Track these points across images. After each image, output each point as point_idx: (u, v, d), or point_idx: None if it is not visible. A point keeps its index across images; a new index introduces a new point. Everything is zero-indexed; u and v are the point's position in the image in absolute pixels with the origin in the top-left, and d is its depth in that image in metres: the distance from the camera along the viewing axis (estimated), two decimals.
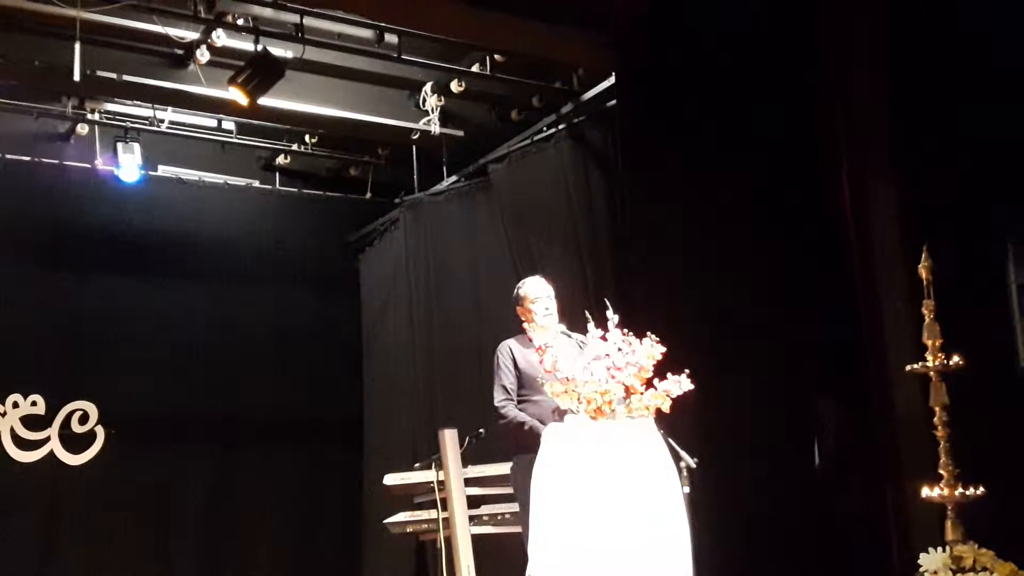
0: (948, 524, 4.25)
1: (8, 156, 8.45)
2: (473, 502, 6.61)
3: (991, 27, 5.38)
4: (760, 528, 5.76)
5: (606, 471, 4.46)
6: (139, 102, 8.30)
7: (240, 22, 7.12)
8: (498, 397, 5.52)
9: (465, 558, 6.26)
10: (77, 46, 6.88)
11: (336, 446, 9.72)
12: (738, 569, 5.54)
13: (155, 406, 8.94)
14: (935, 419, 4.32)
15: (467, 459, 6.64)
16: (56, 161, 8.67)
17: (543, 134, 7.97)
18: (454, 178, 9.06)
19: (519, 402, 5.49)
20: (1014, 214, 5.37)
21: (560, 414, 4.80)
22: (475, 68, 7.91)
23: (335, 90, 8.04)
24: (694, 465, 4.97)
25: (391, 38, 7.39)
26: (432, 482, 6.54)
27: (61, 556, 8.59)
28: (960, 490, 4.23)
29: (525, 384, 5.47)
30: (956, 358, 4.32)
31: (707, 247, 6.24)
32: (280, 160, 9.47)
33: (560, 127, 7.80)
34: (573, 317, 5.50)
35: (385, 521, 7.15)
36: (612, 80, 7.18)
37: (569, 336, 5.36)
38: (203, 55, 7.26)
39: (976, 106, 5.42)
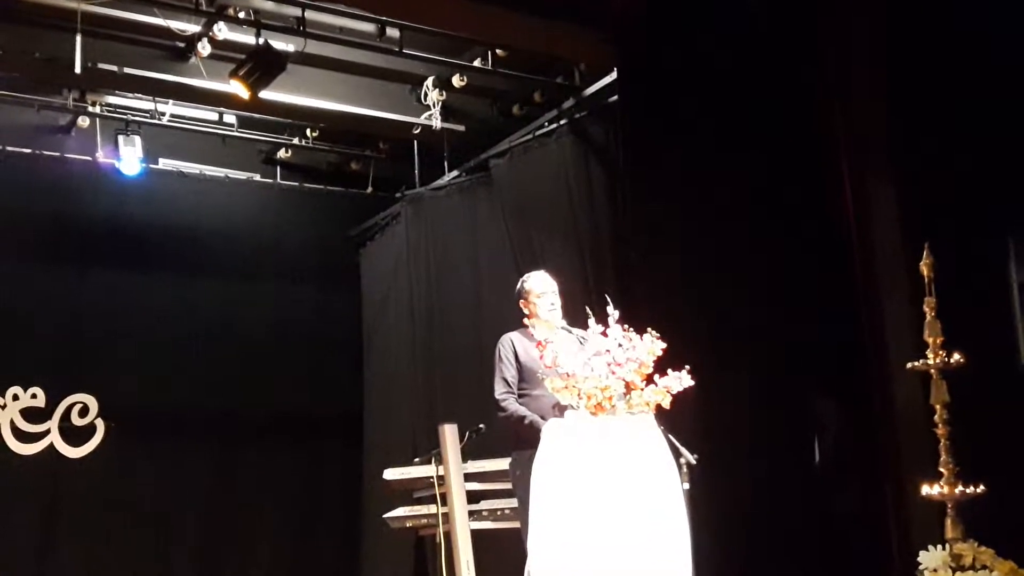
0: (948, 522, 4.25)
1: (9, 148, 8.46)
2: (473, 497, 6.61)
3: (990, 25, 5.38)
4: (760, 525, 5.76)
5: (606, 467, 4.46)
6: (140, 95, 8.30)
7: (241, 15, 7.12)
8: (499, 390, 5.51)
9: (464, 553, 6.27)
10: (78, 38, 6.88)
11: (336, 440, 9.72)
12: (737, 566, 5.55)
13: (155, 399, 8.95)
14: (935, 417, 4.32)
15: (467, 454, 6.64)
16: (57, 154, 8.68)
17: (544, 129, 7.97)
18: (455, 173, 9.05)
19: (519, 397, 5.48)
20: (1014, 212, 5.36)
21: (560, 410, 4.79)
22: (477, 63, 7.91)
23: (336, 84, 8.04)
24: (694, 461, 4.97)
25: (393, 32, 7.39)
26: (432, 477, 6.54)
27: (60, 548, 8.59)
28: (960, 488, 4.23)
29: (525, 379, 5.46)
30: (957, 356, 4.32)
31: (707, 243, 6.24)
32: (281, 154, 9.47)
33: (561, 122, 7.80)
34: (573, 313, 5.50)
35: (385, 516, 7.15)
36: (614, 76, 7.18)
37: (570, 331, 5.35)
38: (204, 48, 7.27)
39: (976, 104, 5.41)
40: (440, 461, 6.46)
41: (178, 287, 9.31)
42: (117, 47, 7.37)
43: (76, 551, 8.62)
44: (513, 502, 6.21)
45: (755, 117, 6.19)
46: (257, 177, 9.63)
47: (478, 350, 8.08)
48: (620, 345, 4.61)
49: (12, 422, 8.61)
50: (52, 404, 8.79)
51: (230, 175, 9.46)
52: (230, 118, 8.85)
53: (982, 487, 4.23)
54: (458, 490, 6.46)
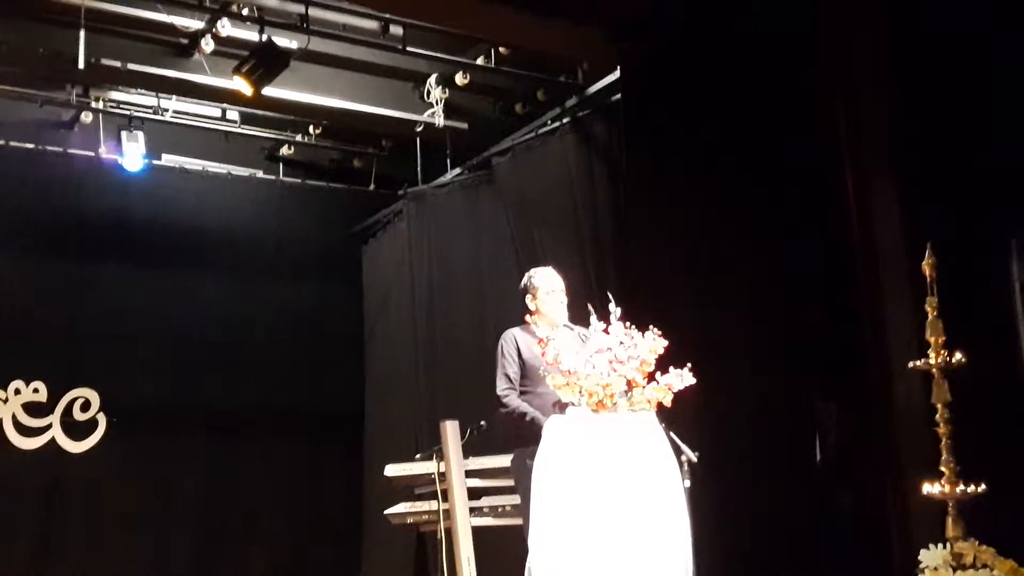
0: (949, 521, 4.25)
1: (12, 143, 8.48)
2: (474, 494, 6.62)
3: (991, 25, 5.38)
4: (760, 523, 5.76)
5: (607, 464, 4.47)
6: (143, 91, 8.31)
7: (245, 12, 7.13)
8: (501, 386, 5.50)
9: (465, 549, 6.27)
10: (82, 34, 6.89)
11: (337, 436, 9.73)
12: (738, 564, 5.55)
13: (156, 394, 8.97)
14: (937, 416, 4.32)
15: (468, 450, 6.64)
16: (60, 149, 8.69)
17: (547, 127, 7.97)
18: (458, 170, 9.05)
19: (520, 393, 5.48)
20: (1016, 211, 5.37)
21: (561, 407, 4.79)
22: (480, 61, 7.93)
23: (339, 81, 8.05)
24: (695, 459, 4.98)
25: (396, 30, 7.40)
26: (433, 473, 6.55)
27: (61, 542, 8.61)
28: (961, 487, 4.23)
29: (527, 375, 5.45)
30: (958, 355, 4.32)
31: (709, 241, 6.24)
32: (284, 150, 9.48)
33: (564, 120, 7.79)
34: (575, 310, 5.51)
35: (386, 512, 7.16)
36: (616, 74, 7.18)
37: (571, 329, 5.36)
38: (208, 44, 7.28)
39: (978, 104, 5.41)
40: (441, 457, 6.46)
41: (180, 283, 9.33)
42: (121, 43, 7.38)
43: (76, 545, 8.64)
44: (514, 499, 6.22)
45: (757, 116, 6.20)
46: (260, 174, 9.64)
47: (480, 347, 8.07)
48: (622, 343, 4.62)
49: (14, 416, 8.63)
50: (54, 399, 8.81)
51: (233, 171, 9.47)
52: (233, 114, 8.86)
53: (983, 486, 4.23)
54: (459, 486, 6.46)
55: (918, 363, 4.41)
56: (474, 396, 7.70)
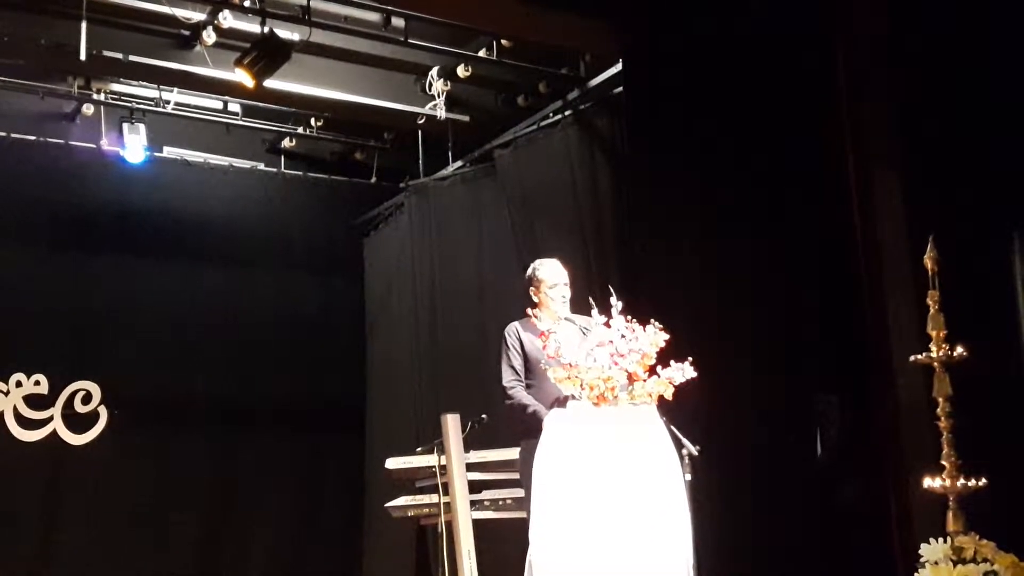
0: (950, 515, 4.24)
1: (14, 135, 8.48)
2: (475, 487, 6.62)
3: (994, 23, 5.37)
4: (761, 516, 5.76)
5: (608, 458, 4.47)
6: (145, 83, 8.31)
7: (247, 4, 7.12)
8: (507, 377, 5.51)
9: (466, 543, 6.27)
10: (84, 26, 6.89)
11: (338, 429, 9.73)
12: (739, 557, 5.55)
13: (158, 387, 8.97)
14: (938, 410, 4.31)
15: (469, 444, 6.64)
16: (61, 141, 8.69)
17: (549, 120, 7.96)
18: (459, 163, 9.05)
19: (525, 387, 5.48)
20: (1019, 206, 5.36)
21: (563, 401, 4.79)
22: (482, 53, 7.91)
23: (341, 73, 8.03)
24: (696, 453, 4.97)
25: (398, 22, 7.39)
26: (434, 466, 6.55)
27: (62, 535, 8.62)
28: (962, 481, 4.22)
29: (529, 369, 5.46)
30: (960, 349, 4.31)
31: (711, 234, 6.24)
32: (285, 143, 9.48)
33: (566, 113, 7.79)
34: (577, 303, 5.50)
35: (387, 505, 7.16)
36: (619, 67, 7.17)
37: (572, 322, 5.35)
38: (209, 36, 7.27)
39: (981, 99, 5.41)
40: (442, 451, 6.46)
41: (181, 275, 9.33)
42: (122, 35, 7.37)
43: (77, 537, 8.64)
44: (515, 492, 6.23)
45: (759, 110, 6.19)
46: (261, 166, 9.64)
47: (481, 340, 8.09)
48: (623, 336, 4.61)
49: (15, 409, 8.63)
50: (55, 391, 8.81)
51: (234, 164, 9.47)
52: (235, 107, 8.85)
53: (984, 480, 4.23)
54: (460, 480, 6.46)
55: (919, 357, 4.40)
56: (475, 389, 7.72)
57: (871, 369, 5.85)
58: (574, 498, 4.45)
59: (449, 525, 6.44)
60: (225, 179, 9.45)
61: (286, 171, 9.68)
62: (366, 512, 9.41)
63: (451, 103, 8.33)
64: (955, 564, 4.11)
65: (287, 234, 9.75)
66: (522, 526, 4.93)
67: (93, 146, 8.72)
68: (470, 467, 6.59)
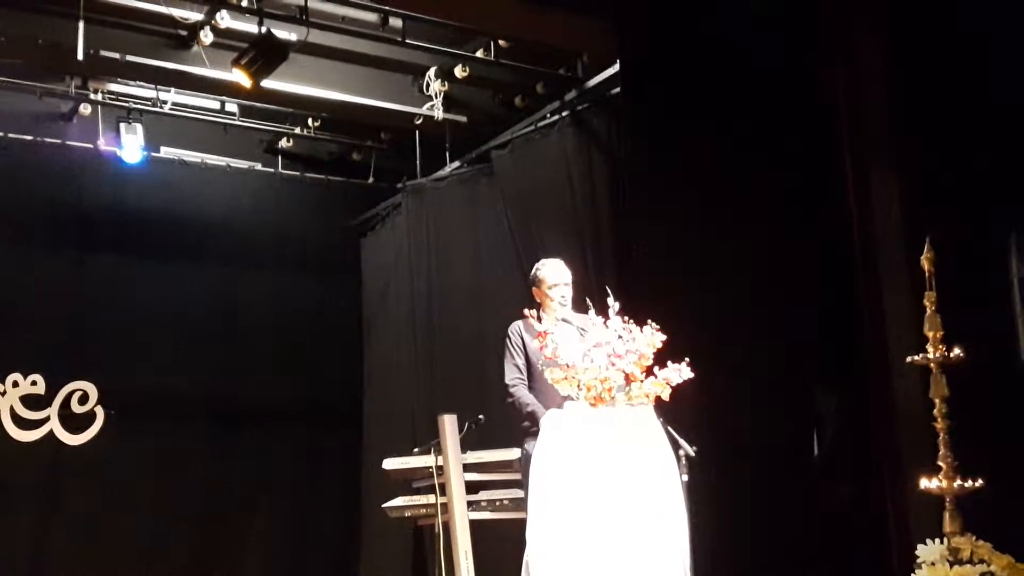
0: (946, 516, 4.26)
1: (11, 135, 8.45)
2: (472, 488, 6.62)
3: (992, 23, 5.38)
4: (758, 517, 5.77)
5: (605, 458, 4.47)
6: (142, 83, 8.28)
7: (244, 4, 7.11)
8: (509, 375, 5.52)
9: (463, 543, 6.27)
10: (81, 25, 6.87)
11: (335, 430, 9.71)
12: (736, 558, 5.55)
13: (155, 387, 8.94)
14: (935, 411, 4.32)
15: (466, 445, 6.64)
16: (59, 141, 8.67)
17: (546, 120, 7.96)
18: (457, 164, 9.04)
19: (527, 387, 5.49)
20: (1016, 207, 5.37)
21: (562, 402, 4.79)
22: (479, 53, 7.90)
23: (338, 73, 8.02)
24: (693, 453, 4.98)
25: (395, 22, 7.39)
26: (431, 467, 6.55)
27: (59, 535, 8.59)
28: (959, 482, 4.24)
29: (528, 370, 5.46)
30: (957, 350, 4.32)
31: (709, 235, 6.24)
32: (283, 143, 9.47)
33: (564, 114, 7.79)
34: (574, 304, 5.50)
35: (384, 505, 7.15)
36: (616, 68, 7.16)
37: (570, 323, 5.35)
38: (207, 36, 7.26)
39: (978, 99, 5.42)
40: (439, 451, 6.47)
41: (178, 275, 9.31)
42: (119, 34, 7.35)
43: (75, 538, 8.62)
44: (512, 492, 6.24)
45: (757, 110, 6.20)
46: (258, 166, 9.63)
47: (478, 340, 8.09)
48: (620, 337, 4.62)
49: (12, 409, 8.61)
50: (52, 391, 8.78)
51: (231, 164, 9.45)
52: (232, 107, 8.83)
53: (981, 481, 4.24)
54: (457, 480, 6.47)
55: (916, 358, 4.41)
56: (472, 390, 7.72)
57: (868, 370, 5.86)
58: (571, 499, 4.46)
59: (446, 526, 6.44)
60: (222, 179, 9.43)
61: (283, 171, 9.67)
62: (363, 513, 9.40)
63: (448, 104, 8.32)
64: (952, 565, 4.12)
65: (284, 234, 9.73)
66: (519, 527, 4.93)
67: (90, 146, 8.70)
68: (467, 468, 6.60)
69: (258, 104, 8.54)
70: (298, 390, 9.54)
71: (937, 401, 4.32)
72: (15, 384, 8.66)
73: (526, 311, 5.39)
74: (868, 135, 6.06)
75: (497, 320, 6.49)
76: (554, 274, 5.59)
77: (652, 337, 4.63)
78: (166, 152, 9.13)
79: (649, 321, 4.70)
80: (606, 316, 4.71)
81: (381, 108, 8.35)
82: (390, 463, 7.02)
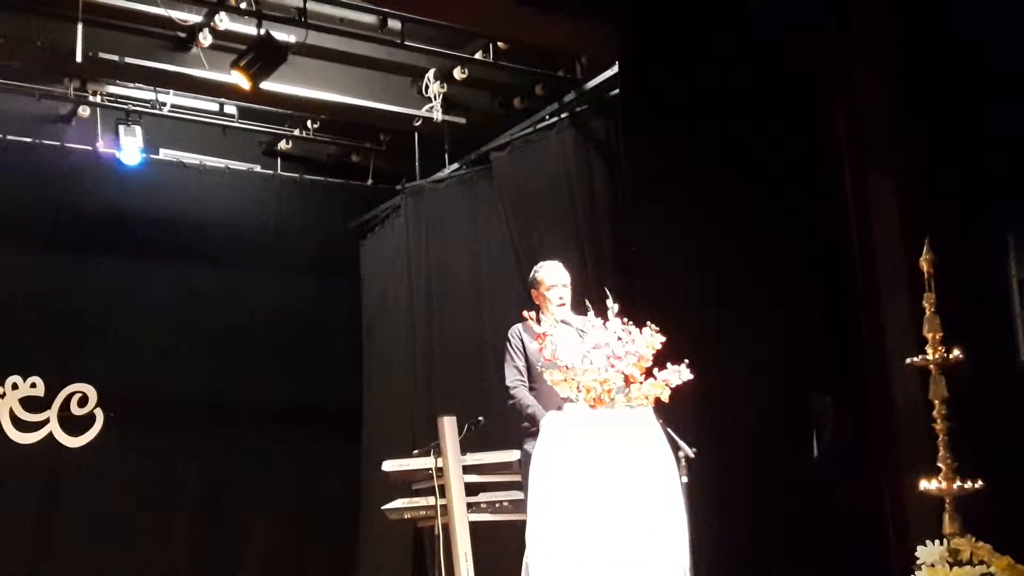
0: (946, 517, 4.26)
1: (9, 137, 8.45)
2: (471, 489, 6.61)
3: (991, 26, 5.39)
4: (758, 519, 5.77)
5: (604, 460, 4.47)
6: (141, 85, 8.28)
7: (243, 6, 7.11)
8: (509, 377, 5.52)
9: (463, 545, 6.27)
10: (80, 27, 6.88)
11: (335, 432, 9.71)
12: (735, 559, 5.55)
13: (154, 389, 8.94)
14: (934, 412, 4.32)
15: (466, 446, 6.64)
16: (58, 143, 8.67)
17: (546, 122, 7.96)
18: (456, 165, 9.04)
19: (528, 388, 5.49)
20: (1015, 208, 5.37)
21: (560, 402, 4.79)
22: (478, 55, 7.91)
23: (337, 75, 8.02)
24: (692, 455, 4.97)
25: (394, 24, 7.39)
26: (430, 469, 6.55)
27: (58, 537, 8.58)
28: (958, 483, 4.24)
29: (528, 372, 5.47)
30: (956, 352, 4.32)
31: (708, 237, 6.24)
32: (282, 145, 9.47)
33: (563, 115, 7.78)
34: (573, 305, 5.50)
35: (383, 507, 7.15)
36: (615, 69, 7.16)
37: (569, 324, 5.35)
38: (206, 38, 7.25)
39: (977, 102, 5.42)
40: (439, 453, 6.46)
41: (178, 278, 9.30)
42: (118, 36, 7.35)
43: (74, 540, 8.61)
44: (511, 494, 6.23)
45: (757, 112, 6.20)
46: (257, 168, 9.63)
47: (478, 342, 8.09)
48: (619, 338, 4.62)
49: (11, 411, 8.60)
50: (51, 393, 8.78)
51: (231, 166, 9.45)
52: (231, 109, 8.83)
53: (980, 482, 4.24)
54: (457, 482, 6.46)
55: (916, 359, 4.41)
56: (472, 392, 7.72)
57: (867, 371, 5.86)
58: (570, 500, 4.46)
59: (446, 527, 6.44)
60: (221, 181, 9.43)
61: (282, 173, 9.67)
62: (363, 515, 9.39)
63: (447, 105, 8.32)
64: (951, 566, 4.12)
65: (283, 236, 9.72)
66: (519, 528, 4.93)
67: (89, 148, 8.70)
68: (467, 469, 6.59)
69: (257, 106, 8.54)
70: (298, 392, 9.53)
71: (936, 402, 4.32)
72: (15, 386, 8.66)
73: (526, 313, 5.40)
74: (867, 135, 6.07)
75: (497, 322, 6.50)
76: (552, 276, 5.59)
77: (651, 339, 4.63)
78: (165, 154, 9.13)
79: (648, 323, 4.69)
80: (605, 318, 4.70)
81: (380, 110, 8.35)
82: (389, 465, 7.01)
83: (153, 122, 8.64)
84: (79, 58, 6.95)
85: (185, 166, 9.27)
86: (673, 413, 4.80)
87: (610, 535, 4.37)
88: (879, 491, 5.70)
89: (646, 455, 4.53)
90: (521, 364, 5.52)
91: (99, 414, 8.91)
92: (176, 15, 7.13)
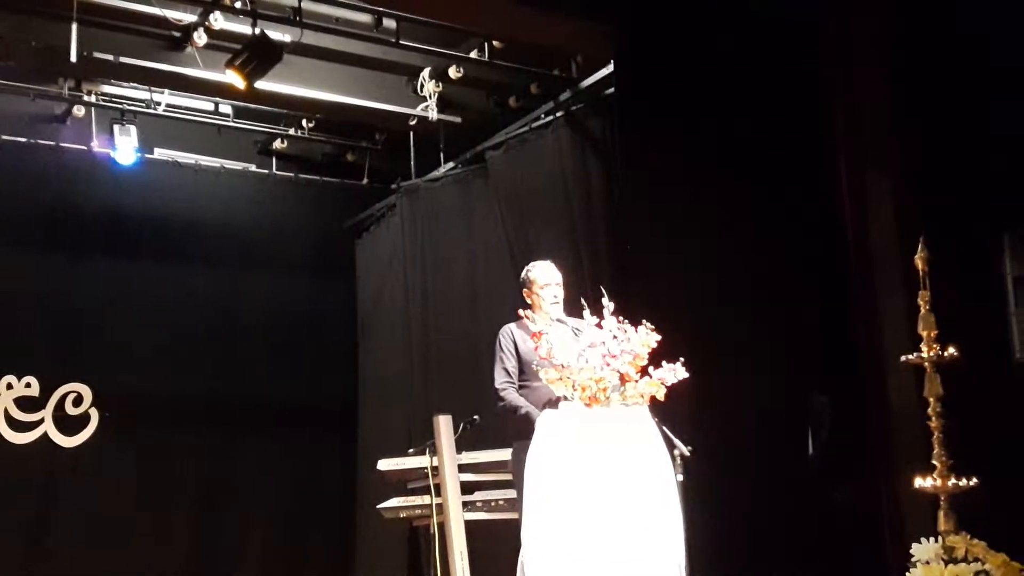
0: (941, 514, 4.26)
1: (4, 137, 8.44)
2: (467, 488, 6.61)
3: (989, 26, 5.39)
4: (753, 516, 5.77)
5: (600, 458, 4.47)
6: (136, 84, 8.27)
7: (238, 5, 7.11)
8: (499, 379, 5.51)
9: (458, 544, 6.26)
10: (74, 27, 6.87)
11: (331, 431, 9.71)
12: (731, 558, 5.56)
13: (149, 389, 8.93)
14: (929, 410, 4.33)
15: (461, 445, 6.63)
16: (52, 143, 8.66)
17: (541, 121, 7.96)
18: (451, 164, 9.04)
19: (519, 388, 5.47)
20: (1010, 206, 5.38)
21: (557, 402, 4.79)
22: (473, 54, 7.91)
23: (332, 75, 8.02)
24: (688, 453, 4.98)
25: (389, 23, 7.40)
26: (426, 468, 6.54)
27: (53, 538, 8.58)
28: (953, 481, 4.24)
29: (522, 370, 5.46)
30: (951, 349, 4.32)
31: (703, 235, 6.24)
32: (277, 144, 9.46)
33: (558, 114, 7.79)
34: (569, 304, 5.50)
35: (379, 506, 7.15)
36: (611, 68, 7.17)
37: (564, 323, 5.35)
38: (201, 38, 7.25)
39: (974, 101, 5.43)
40: (434, 452, 6.45)
41: (173, 277, 9.30)
42: (113, 36, 7.35)
43: (69, 541, 8.60)
44: (507, 493, 6.23)
45: (753, 111, 6.20)
46: (253, 167, 9.62)
47: (473, 341, 8.08)
48: (615, 337, 4.62)
49: (6, 411, 8.60)
50: (46, 393, 8.77)
51: (226, 165, 9.44)
52: (226, 108, 8.83)
53: (975, 480, 4.25)
54: (452, 481, 6.45)
55: (911, 357, 4.41)
56: (467, 390, 7.71)
57: (863, 369, 5.86)
58: (566, 499, 4.46)
59: (441, 526, 6.43)
60: (216, 181, 9.43)
61: (277, 172, 9.66)
62: (358, 514, 9.39)
63: (443, 104, 8.32)
64: (946, 564, 4.12)
65: (279, 236, 9.72)
66: (515, 527, 4.93)
67: (84, 148, 8.69)
68: (462, 468, 6.59)
69: (252, 105, 8.54)
70: (293, 391, 9.54)
71: (931, 400, 4.32)
72: (9, 386, 8.65)
73: (522, 311, 5.40)
74: (864, 135, 6.07)
75: (492, 320, 6.48)
76: (544, 274, 5.59)
77: (647, 337, 4.63)
78: (160, 154, 9.13)
79: (644, 321, 4.69)
80: (601, 316, 4.70)
81: (375, 109, 8.35)
82: (385, 464, 7.02)
83: (148, 122, 8.63)
84: (74, 58, 6.95)
85: (180, 165, 9.26)
86: (669, 412, 4.80)
87: (606, 534, 4.37)
88: (874, 489, 5.70)
89: (642, 454, 4.53)
90: (511, 365, 5.50)
91: (94, 414, 8.90)
92: (171, 14, 7.13)
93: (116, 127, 8.48)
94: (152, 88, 8.34)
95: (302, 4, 7.03)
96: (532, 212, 7.84)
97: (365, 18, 7.40)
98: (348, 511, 9.56)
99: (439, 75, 8.12)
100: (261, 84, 7.30)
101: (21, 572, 8.38)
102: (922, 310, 4.41)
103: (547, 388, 4.84)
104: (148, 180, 9.02)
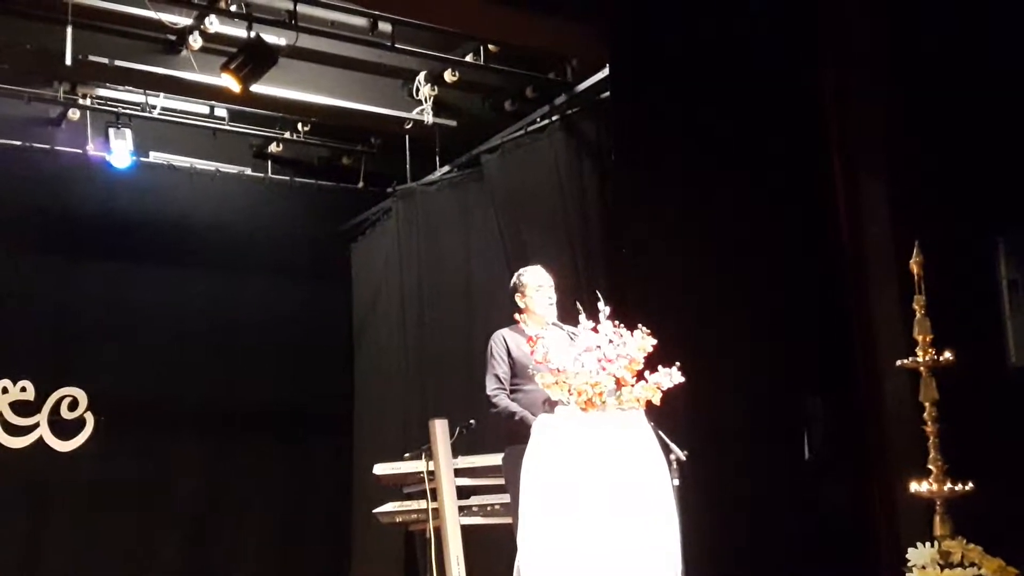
0: (937, 519, 4.26)
1: None
2: (463, 492, 6.61)
3: (986, 29, 5.40)
4: (749, 521, 5.77)
5: (595, 463, 4.46)
6: (131, 87, 8.26)
7: (233, 8, 7.11)
8: (490, 386, 5.50)
9: (454, 548, 6.26)
10: (69, 30, 6.86)
11: (326, 435, 9.71)
12: (727, 563, 5.55)
13: (145, 393, 8.93)
14: (925, 414, 4.33)
15: (457, 449, 6.63)
16: (47, 146, 8.64)
17: (536, 125, 7.97)
18: (447, 168, 9.04)
19: (511, 391, 5.47)
20: (1004, 211, 5.38)
21: (551, 405, 4.79)
22: (469, 58, 7.92)
23: (328, 78, 8.02)
24: (684, 458, 4.98)
25: (385, 27, 7.39)
26: (422, 472, 6.53)
27: (49, 542, 8.58)
28: (949, 485, 4.24)
29: (517, 374, 5.44)
30: (946, 354, 4.33)
31: (698, 239, 6.24)
32: (272, 148, 9.45)
33: (553, 118, 7.79)
34: (564, 308, 5.50)
35: (375, 511, 7.14)
36: (606, 72, 7.17)
37: (560, 327, 5.35)
38: (196, 41, 7.25)
39: (969, 105, 5.43)
40: (430, 456, 6.44)
41: (168, 281, 9.30)
42: (108, 39, 7.34)
43: (65, 544, 8.61)
44: (503, 497, 6.21)
45: (749, 114, 6.20)
46: (248, 171, 9.61)
47: (469, 345, 8.08)
48: (611, 341, 4.61)
49: (1, 415, 8.59)
50: (41, 397, 8.77)
51: (221, 169, 9.43)
52: (221, 111, 8.83)
53: (971, 485, 4.25)
54: (448, 485, 6.45)
55: (906, 361, 4.42)
56: (463, 394, 7.70)
57: (858, 373, 5.86)
58: (562, 503, 4.45)
59: (437, 531, 6.43)
60: (212, 184, 9.41)
61: (273, 176, 9.65)
62: (354, 518, 9.38)
63: (438, 108, 8.33)
64: (942, 568, 4.12)
65: (274, 239, 9.71)
66: (510, 531, 4.93)
67: (79, 151, 8.67)
68: (458, 472, 6.58)
69: (247, 109, 8.54)
70: (288, 395, 9.54)
71: (927, 404, 4.33)
72: (4, 390, 8.64)
73: (517, 316, 5.39)
74: (859, 138, 6.07)
75: (487, 323, 6.49)
76: (537, 278, 5.59)
77: (642, 341, 4.62)
78: (155, 157, 9.11)
79: (639, 325, 4.69)
80: (596, 320, 4.70)
81: (371, 112, 8.35)
82: (381, 468, 7.01)
83: (143, 125, 8.62)
84: (68, 61, 6.94)
85: (175, 169, 9.25)
86: (664, 416, 4.80)
87: (602, 538, 4.36)
88: (870, 493, 5.70)
89: (637, 458, 4.53)
90: (503, 371, 5.50)
91: (89, 418, 8.90)
92: (166, 18, 7.12)
93: (111, 130, 8.46)
94: (147, 91, 8.33)
95: (297, 8, 7.02)
96: (527, 215, 7.84)
97: (360, 22, 7.40)
98: (344, 515, 9.55)
99: (434, 79, 8.13)
100: (256, 88, 7.29)
101: (16, 575, 8.37)
102: (917, 314, 4.42)
103: (540, 391, 4.84)
104: (143, 184, 9.02)
